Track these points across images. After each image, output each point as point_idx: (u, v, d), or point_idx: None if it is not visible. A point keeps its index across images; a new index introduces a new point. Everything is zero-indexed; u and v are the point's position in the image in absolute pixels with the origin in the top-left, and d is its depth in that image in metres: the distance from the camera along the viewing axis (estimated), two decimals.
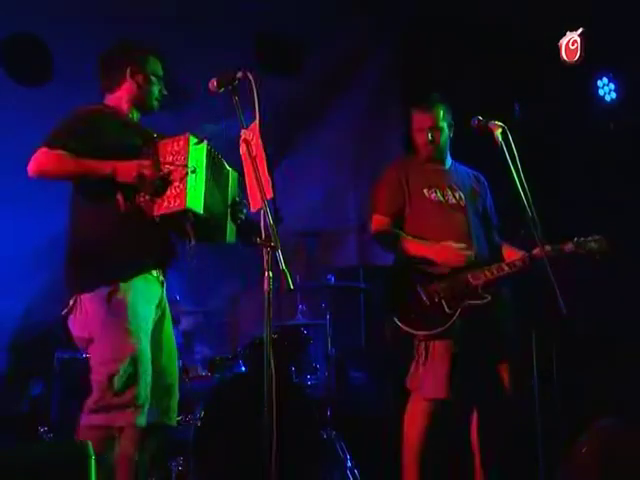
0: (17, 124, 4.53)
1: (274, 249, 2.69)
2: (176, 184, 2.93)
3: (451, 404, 3.52)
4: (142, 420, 2.90)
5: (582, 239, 3.52)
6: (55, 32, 4.65)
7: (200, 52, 4.95)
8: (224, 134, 3.17)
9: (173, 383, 3.12)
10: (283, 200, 3.15)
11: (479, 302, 3.50)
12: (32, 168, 2.96)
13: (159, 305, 3.12)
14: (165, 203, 2.94)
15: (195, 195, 2.94)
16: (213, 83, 2.93)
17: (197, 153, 2.99)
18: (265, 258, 2.71)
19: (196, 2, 5.02)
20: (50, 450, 2.86)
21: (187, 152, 2.96)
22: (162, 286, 3.14)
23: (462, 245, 3.56)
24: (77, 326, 3.02)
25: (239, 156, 2.91)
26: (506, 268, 3.53)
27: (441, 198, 3.68)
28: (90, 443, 2.69)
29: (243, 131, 2.87)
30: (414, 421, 3.53)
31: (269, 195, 2.79)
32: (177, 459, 3.86)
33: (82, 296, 2.98)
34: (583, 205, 4.99)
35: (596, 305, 4.67)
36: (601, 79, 5.13)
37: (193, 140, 2.99)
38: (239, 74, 2.88)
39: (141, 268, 3.03)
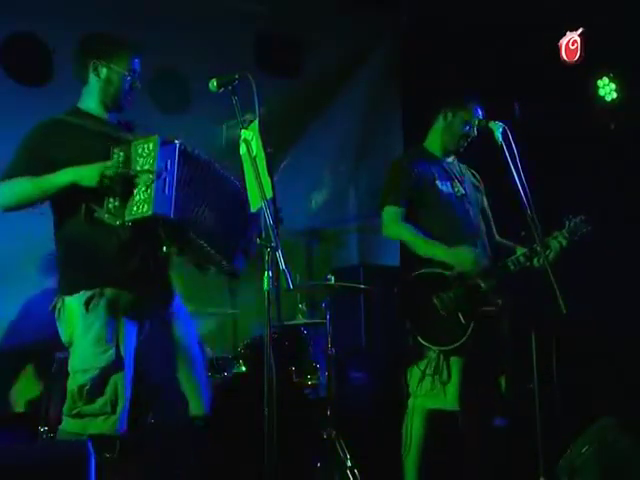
0: (17, 124, 4.52)
1: (274, 249, 2.69)
2: (143, 189, 2.83)
3: (456, 414, 3.51)
4: (111, 427, 2.88)
5: (573, 224, 3.51)
6: (55, 32, 4.65)
7: (200, 52, 4.95)
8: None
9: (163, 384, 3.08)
10: (283, 200, 3.14)
11: (492, 308, 3.50)
12: None
13: (155, 308, 3.04)
14: (134, 208, 2.84)
15: (163, 199, 2.83)
16: (213, 83, 2.92)
17: (167, 154, 2.88)
18: (265, 258, 2.71)
19: (196, 2, 5.02)
20: (50, 450, 2.86)
21: (156, 154, 2.85)
22: (154, 287, 3.03)
23: (478, 251, 3.53)
24: (61, 328, 3.02)
25: (239, 156, 2.92)
26: (511, 266, 3.52)
27: (451, 190, 3.68)
28: (88, 443, 2.70)
29: (243, 131, 2.87)
30: (414, 427, 3.52)
31: (269, 195, 2.79)
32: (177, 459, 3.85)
33: (65, 298, 2.98)
34: (583, 205, 4.99)
35: (596, 305, 4.67)
36: (601, 79, 5.13)
37: (160, 141, 2.87)
38: (238, 74, 2.88)
39: (120, 274, 2.95)
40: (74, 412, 2.90)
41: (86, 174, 2.86)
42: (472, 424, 3.53)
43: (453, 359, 3.47)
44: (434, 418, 3.53)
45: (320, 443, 4.16)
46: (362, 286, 4.89)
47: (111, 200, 2.87)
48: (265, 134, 2.80)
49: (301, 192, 5.59)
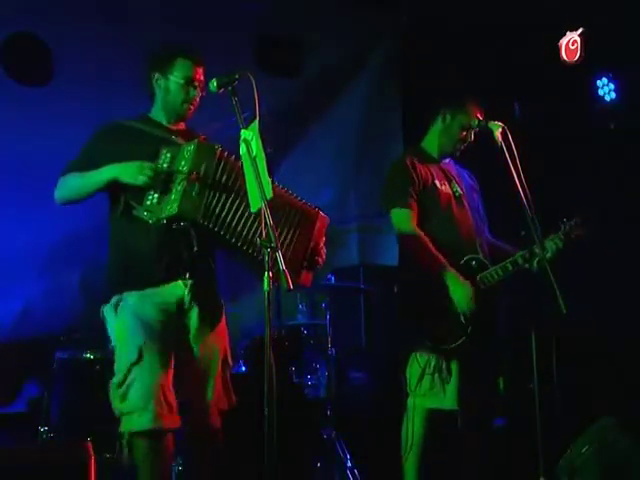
0: (17, 124, 4.53)
1: (274, 249, 2.69)
2: (178, 188, 2.91)
3: (455, 413, 3.52)
4: (147, 423, 2.93)
5: (568, 226, 3.52)
6: (55, 32, 4.65)
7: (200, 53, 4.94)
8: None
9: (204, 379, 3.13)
10: None
11: (490, 307, 3.51)
12: (55, 198, 3.10)
13: (181, 309, 3.09)
14: (167, 207, 2.92)
15: (192, 201, 2.89)
16: (213, 84, 2.92)
17: (204, 157, 2.95)
18: (265, 258, 2.71)
19: (196, 3, 5.01)
20: (50, 450, 2.87)
21: (193, 156, 2.93)
22: (188, 290, 3.09)
23: (472, 300, 3.48)
24: (110, 334, 3.13)
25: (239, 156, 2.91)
26: (510, 267, 3.52)
27: (449, 190, 3.68)
28: (89, 443, 2.72)
29: (243, 131, 2.87)
30: (414, 426, 3.52)
31: (269, 195, 2.79)
32: (177, 459, 3.86)
33: (105, 306, 3.10)
34: (583, 205, 4.99)
35: (596, 305, 4.67)
36: (601, 79, 5.14)
37: (201, 144, 2.96)
38: (238, 74, 2.88)
39: (148, 274, 3.04)
40: (117, 412, 3.00)
41: (126, 170, 2.97)
42: (471, 424, 3.53)
43: (453, 358, 3.47)
44: (434, 418, 3.53)
45: (320, 443, 4.17)
46: (362, 286, 4.90)
47: (149, 197, 2.96)
48: (265, 134, 2.80)
49: (301, 192, 5.58)
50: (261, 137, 2.81)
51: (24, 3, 4.59)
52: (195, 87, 3.16)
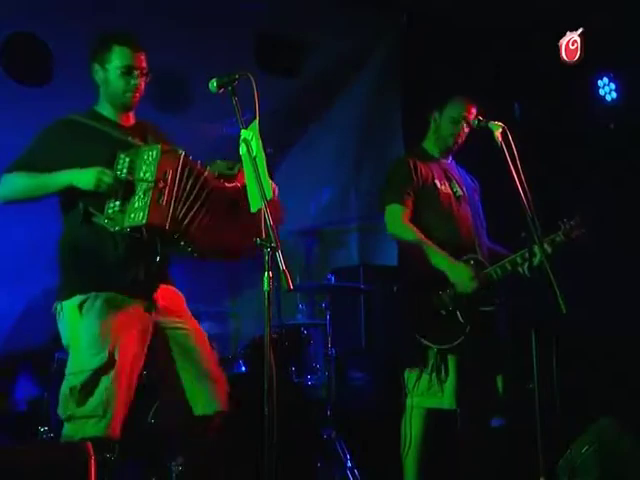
0: (18, 124, 4.52)
1: (274, 249, 2.69)
2: (141, 196, 2.83)
3: (454, 412, 3.52)
4: (103, 430, 2.86)
5: (568, 225, 3.52)
6: (56, 32, 4.64)
7: (200, 53, 4.94)
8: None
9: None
10: (283, 200, 3.14)
11: (490, 308, 3.52)
12: None
13: (156, 315, 3.04)
14: (131, 216, 2.84)
15: (159, 210, 2.84)
16: (213, 84, 2.92)
17: (167, 165, 2.88)
18: (265, 258, 2.71)
19: (196, 2, 5.01)
20: (50, 450, 2.86)
21: (157, 164, 2.85)
22: (155, 294, 3.03)
23: (474, 275, 3.51)
24: (61, 332, 3.03)
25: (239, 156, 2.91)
26: (509, 267, 3.53)
27: (449, 190, 3.69)
28: (88, 443, 2.70)
29: (243, 131, 2.87)
30: (412, 426, 3.53)
31: (269, 196, 2.79)
32: (177, 459, 3.86)
33: (62, 303, 2.99)
34: (583, 205, 4.98)
35: (596, 305, 4.67)
36: (601, 79, 5.14)
37: (164, 151, 2.88)
38: (238, 74, 2.88)
39: (116, 280, 2.95)
40: (66, 415, 2.90)
41: (83, 177, 2.87)
42: (469, 423, 3.54)
43: (450, 358, 3.48)
44: (432, 417, 3.53)
45: (320, 443, 4.17)
46: (362, 286, 4.90)
47: (111, 205, 2.87)
48: (265, 134, 2.80)
49: (301, 192, 5.59)
50: (261, 137, 2.82)
51: (24, 3, 4.59)
52: (136, 75, 3.02)
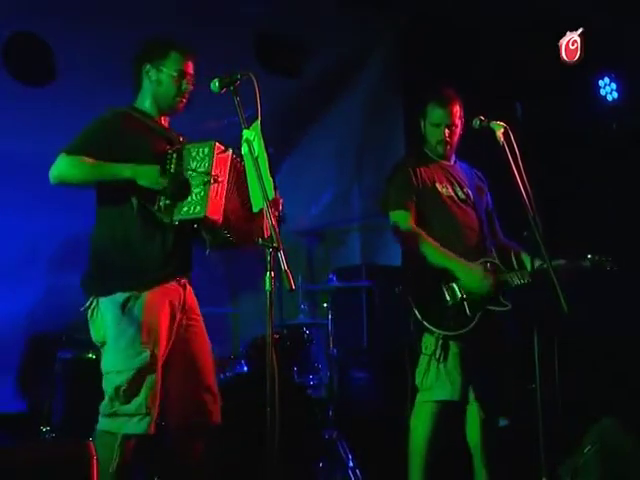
0: (20, 124, 4.53)
1: (276, 249, 2.69)
2: (197, 191, 2.93)
3: (459, 405, 3.52)
4: (146, 428, 2.92)
5: (597, 258, 3.55)
6: (58, 32, 4.64)
7: (201, 53, 4.94)
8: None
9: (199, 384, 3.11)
10: (285, 200, 3.15)
11: (499, 309, 3.52)
12: (52, 174, 2.97)
13: (182, 309, 3.10)
14: (185, 209, 2.94)
15: (215, 204, 2.95)
16: (215, 84, 2.92)
17: (221, 162, 2.99)
18: (267, 258, 2.71)
19: (197, 3, 5.01)
20: (52, 450, 2.87)
21: (211, 160, 2.96)
22: (184, 289, 3.12)
23: (488, 276, 3.52)
24: (94, 328, 3.05)
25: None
26: (518, 281, 3.55)
27: (452, 193, 3.68)
28: (92, 444, 2.71)
29: (245, 131, 2.88)
30: (421, 422, 3.52)
31: (271, 195, 2.80)
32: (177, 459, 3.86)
33: (99, 299, 3.01)
34: (585, 205, 4.99)
35: (599, 305, 4.66)
36: (603, 79, 5.13)
37: (218, 148, 2.99)
38: (240, 74, 2.88)
39: (159, 276, 3.02)
40: (110, 412, 2.95)
41: (145, 174, 2.96)
42: (478, 417, 3.55)
43: (454, 346, 3.47)
44: (442, 415, 3.51)
45: (322, 443, 4.17)
46: (365, 285, 4.90)
47: (162, 198, 2.95)
48: (267, 134, 2.81)
49: (303, 192, 5.59)
50: (263, 137, 2.82)
51: (26, 3, 4.59)
52: (187, 82, 3.14)
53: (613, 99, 5.11)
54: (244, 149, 2.86)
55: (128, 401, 2.92)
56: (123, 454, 2.91)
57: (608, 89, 5.12)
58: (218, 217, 2.96)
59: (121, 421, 2.93)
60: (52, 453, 2.79)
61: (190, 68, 3.16)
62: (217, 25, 5.07)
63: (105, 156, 2.96)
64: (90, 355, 4.05)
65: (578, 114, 5.04)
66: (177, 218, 2.94)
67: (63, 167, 2.96)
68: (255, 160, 2.81)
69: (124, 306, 2.96)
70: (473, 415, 3.59)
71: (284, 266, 2.64)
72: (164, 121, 3.22)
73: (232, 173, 3.03)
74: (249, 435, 3.75)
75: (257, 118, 2.91)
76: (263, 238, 2.73)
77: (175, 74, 3.12)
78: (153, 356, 2.95)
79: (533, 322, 3.18)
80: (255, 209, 2.86)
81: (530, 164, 3.26)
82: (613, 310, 4.72)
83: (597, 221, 4.84)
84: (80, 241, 4.60)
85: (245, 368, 4.38)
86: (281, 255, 2.66)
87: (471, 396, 3.54)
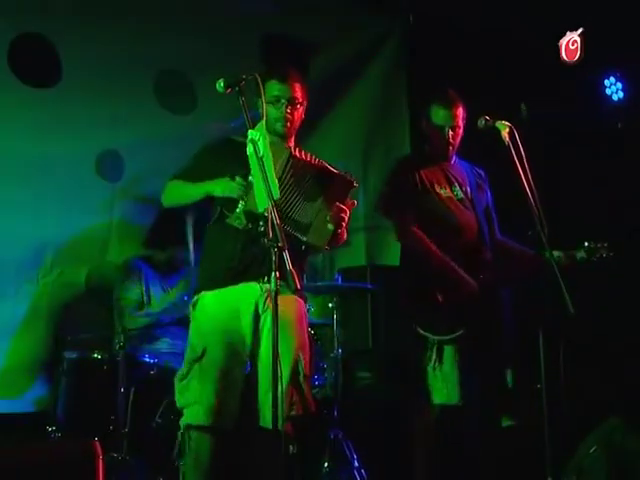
0: (26, 126, 4.53)
1: (281, 249, 2.69)
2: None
3: (461, 408, 3.52)
4: (200, 418, 3.06)
5: (593, 245, 3.53)
6: (64, 33, 4.65)
7: (204, 53, 4.95)
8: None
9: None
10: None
11: (493, 305, 3.52)
12: (162, 199, 3.34)
13: (255, 312, 3.18)
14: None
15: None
16: (220, 84, 2.93)
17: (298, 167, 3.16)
18: (273, 258, 2.71)
19: (198, 3, 5.02)
20: (58, 450, 2.88)
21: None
22: (264, 293, 3.14)
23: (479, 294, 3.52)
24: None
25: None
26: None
27: (450, 194, 3.68)
28: (96, 443, 2.73)
29: (250, 131, 2.88)
30: (424, 427, 3.52)
31: (276, 195, 2.80)
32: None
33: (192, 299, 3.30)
34: (590, 204, 4.97)
35: (604, 305, 4.66)
36: (608, 78, 5.12)
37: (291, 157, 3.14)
38: (246, 75, 2.89)
39: (228, 275, 3.16)
40: (178, 405, 3.17)
41: (220, 186, 3.12)
42: (475, 420, 3.55)
43: (450, 350, 3.47)
44: (444, 423, 3.52)
45: (327, 443, 4.16)
46: (369, 286, 4.90)
47: (240, 205, 3.07)
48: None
49: None
50: (268, 137, 2.83)
51: (32, 4, 4.59)
52: (283, 104, 3.27)
53: (619, 99, 5.10)
54: (249, 149, 2.87)
55: (184, 393, 3.18)
56: (191, 445, 3.10)
57: (614, 88, 5.11)
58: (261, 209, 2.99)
59: (183, 413, 3.17)
60: (58, 453, 2.80)
61: (286, 91, 3.33)
62: (219, 25, 5.07)
63: (201, 179, 3.18)
64: (96, 355, 4.06)
65: (583, 113, 5.02)
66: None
67: (164, 193, 3.34)
68: (260, 160, 2.82)
69: (194, 306, 3.27)
70: (473, 416, 3.59)
71: (289, 266, 2.64)
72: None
73: (285, 170, 3.12)
74: (252, 435, 3.74)
75: (262, 118, 2.91)
76: (268, 238, 2.73)
77: (269, 100, 3.25)
78: (207, 351, 3.14)
79: (538, 322, 3.18)
80: (260, 209, 2.86)
81: (535, 163, 3.26)
82: (619, 310, 4.71)
83: (603, 221, 4.83)
84: (83, 241, 4.64)
85: (247, 368, 4.37)
86: (286, 255, 2.67)
87: (471, 397, 3.54)
